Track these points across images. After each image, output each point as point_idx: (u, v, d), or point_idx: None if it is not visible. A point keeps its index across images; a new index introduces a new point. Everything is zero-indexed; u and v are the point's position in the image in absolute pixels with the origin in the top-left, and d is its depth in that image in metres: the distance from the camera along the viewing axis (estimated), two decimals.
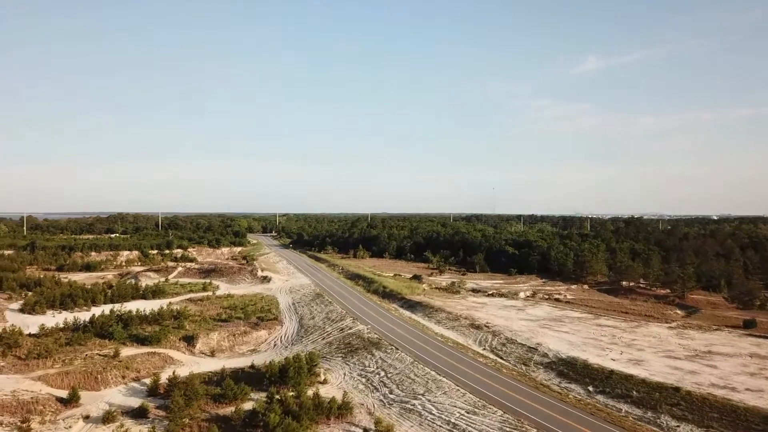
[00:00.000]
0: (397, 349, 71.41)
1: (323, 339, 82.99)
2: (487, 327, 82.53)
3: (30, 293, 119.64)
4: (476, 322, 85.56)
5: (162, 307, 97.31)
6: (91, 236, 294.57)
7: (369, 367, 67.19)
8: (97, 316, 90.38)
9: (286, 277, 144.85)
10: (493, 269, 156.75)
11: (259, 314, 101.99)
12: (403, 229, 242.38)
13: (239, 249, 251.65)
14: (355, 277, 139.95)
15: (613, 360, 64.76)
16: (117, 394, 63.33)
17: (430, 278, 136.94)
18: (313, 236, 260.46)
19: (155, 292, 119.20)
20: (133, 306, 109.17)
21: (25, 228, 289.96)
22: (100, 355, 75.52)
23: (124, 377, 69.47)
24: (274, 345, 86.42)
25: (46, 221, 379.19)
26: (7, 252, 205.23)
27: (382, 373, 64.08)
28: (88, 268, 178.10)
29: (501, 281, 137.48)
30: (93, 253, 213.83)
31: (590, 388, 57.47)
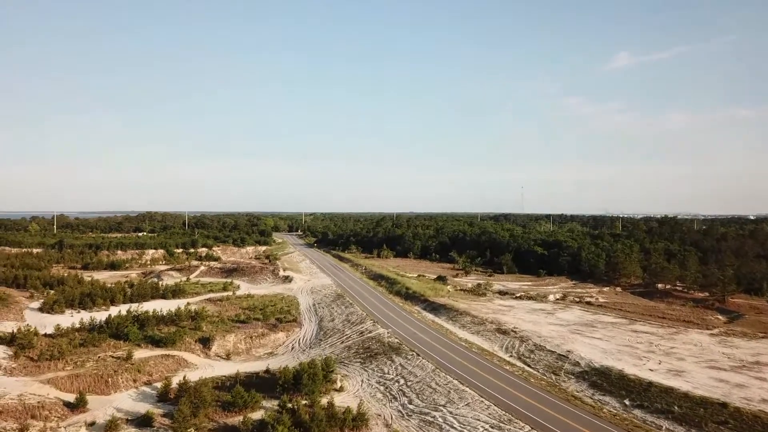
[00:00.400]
0: (418, 355, 67.66)
1: (342, 343, 79.74)
2: (515, 332, 78.14)
3: (52, 292, 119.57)
4: (503, 327, 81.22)
5: (179, 308, 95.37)
6: (119, 235, 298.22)
7: (388, 374, 63.62)
8: (113, 316, 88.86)
9: (308, 276, 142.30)
10: (521, 270, 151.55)
11: (278, 315, 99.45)
12: (429, 228, 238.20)
13: (264, 248, 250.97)
14: (377, 278, 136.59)
15: (651, 370, 59.85)
16: (127, 399, 61.14)
17: (455, 279, 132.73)
18: (338, 235, 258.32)
19: (175, 292, 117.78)
20: (152, 306, 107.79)
21: (55, 226, 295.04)
22: (113, 357, 73.65)
23: (135, 381, 67.33)
24: (292, 348, 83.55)
25: (77, 220, 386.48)
26: (35, 250, 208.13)
27: (402, 381, 60.43)
28: (113, 266, 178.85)
29: (529, 283, 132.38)
30: (119, 252, 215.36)
31: (627, 402, 52.79)
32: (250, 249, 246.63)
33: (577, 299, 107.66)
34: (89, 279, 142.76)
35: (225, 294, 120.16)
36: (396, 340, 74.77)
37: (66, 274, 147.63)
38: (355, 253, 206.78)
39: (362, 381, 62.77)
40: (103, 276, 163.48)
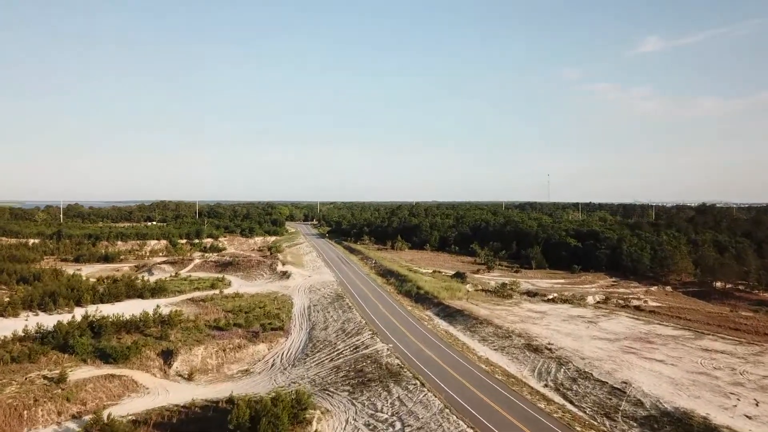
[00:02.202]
0: (423, 384, 51.18)
1: (331, 361, 63.74)
2: (550, 350, 61.11)
3: (21, 288, 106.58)
4: (534, 342, 64.22)
5: (146, 312, 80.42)
6: (126, 224, 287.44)
7: (382, 411, 47.41)
8: (66, 322, 74.39)
9: (309, 272, 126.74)
10: (551, 265, 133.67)
11: (264, 320, 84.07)
12: (448, 217, 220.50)
13: (273, 238, 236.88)
14: (387, 274, 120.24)
15: (749, 417, 42.48)
16: None
17: (476, 276, 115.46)
18: (351, 225, 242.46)
19: (155, 290, 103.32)
20: (126, 307, 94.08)
21: (61, 216, 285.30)
22: (45, 378, 58.89)
23: (60, 413, 52.40)
24: (272, 365, 67.99)
25: (90, 209, 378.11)
26: (33, 241, 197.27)
27: (398, 425, 44.17)
28: (106, 259, 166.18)
29: (562, 280, 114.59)
30: (119, 243, 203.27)
31: None
32: (258, 239, 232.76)
33: (622, 302, 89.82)
34: (72, 273, 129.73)
35: (211, 293, 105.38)
36: (397, 362, 58.36)
37: (56, 268, 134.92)
38: (367, 245, 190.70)
39: (346, 422, 46.65)
40: (94, 269, 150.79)
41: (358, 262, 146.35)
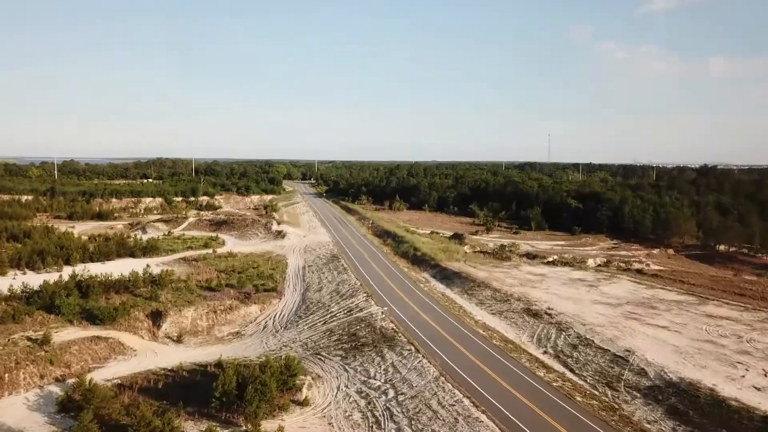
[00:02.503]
0: (418, 351, 49.36)
1: (324, 324, 61.92)
2: (549, 314, 59.24)
3: (19, 245, 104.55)
4: (534, 306, 62.33)
5: (135, 272, 78.23)
6: (123, 181, 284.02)
7: (374, 378, 45.67)
8: (52, 282, 72.28)
9: (304, 232, 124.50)
10: (552, 226, 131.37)
11: (257, 281, 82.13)
12: (447, 177, 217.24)
13: (270, 197, 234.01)
14: (384, 235, 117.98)
15: (758, 389, 40.70)
16: (20, 406, 44.53)
17: (475, 237, 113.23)
18: (349, 185, 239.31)
19: (146, 249, 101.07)
20: (117, 266, 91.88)
21: (55, 172, 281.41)
22: (30, 339, 57.07)
23: (42, 376, 50.59)
24: (264, 327, 66.26)
25: (87, 166, 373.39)
26: (25, 198, 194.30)
27: (391, 393, 42.41)
28: (100, 216, 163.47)
29: (562, 242, 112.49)
30: (113, 200, 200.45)
31: None
32: (255, 198, 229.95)
33: (624, 265, 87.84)
34: (64, 231, 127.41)
35: (204, 252, 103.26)
36: (391, 326, 56.51)
37: (47, 225, 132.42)
38: (365, 205, 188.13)
39: (338, 388, 44.94)
40: (87, 227, 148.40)
41: (355, 222, 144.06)
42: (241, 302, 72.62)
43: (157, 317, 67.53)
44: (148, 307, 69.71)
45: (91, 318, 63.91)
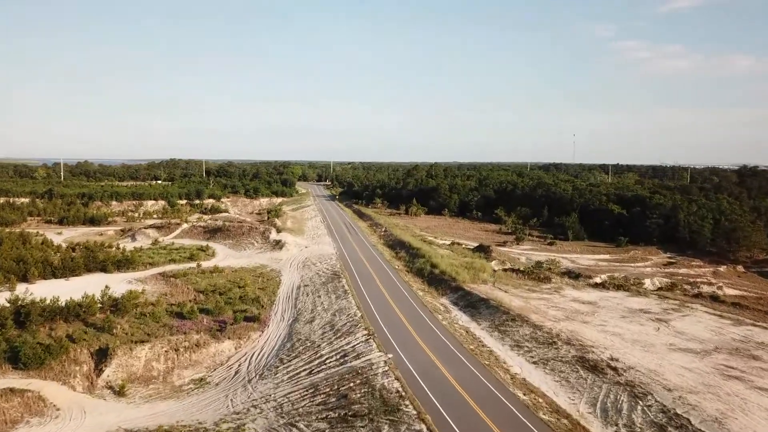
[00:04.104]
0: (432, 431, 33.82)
1: (309, 374, 46.68)
2: (614, 369, 43.10)
3: None
4: (590, 355, 46.22)
5: (88, 295, 63.96)
6: (130, 183, 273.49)
7: None
8: None
9: (307, 241, 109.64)
10: (590, 236, 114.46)
11: (238, 306, 67.59)
12: (470, 179, 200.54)
13: (280, 200, 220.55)
14: (397, 245, 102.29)
15: None
16: None
17: (503, 250, 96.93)
18: (363, 187, 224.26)
19: (121, 263, 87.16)
20: (84, 283, 78.49)
21: (61, 173, 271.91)
22: None
23: None
24: (235, 373, 51.41)
25: (100, 166, 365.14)
26: (21, 200, 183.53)
27: None
28: (92, 221, 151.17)
29: (607, 256, 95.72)
30: (114, 203, 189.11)
31: None
32: (263, 201, 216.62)
33: (690, 288, 70.99)
34: (42, 240, 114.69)
35: (188, 266, 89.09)
36: (396, 385, 40.93)
37: (24, 232, 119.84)
38: (378, 209, 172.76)
39: None
40: (75, 233, 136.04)
41: (366, 229, 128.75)
42: (212, 337, 57.86)
43: (102, 357, 53.33)
44: (96, 343, 55.58)
45: (15, 361, 49.88)
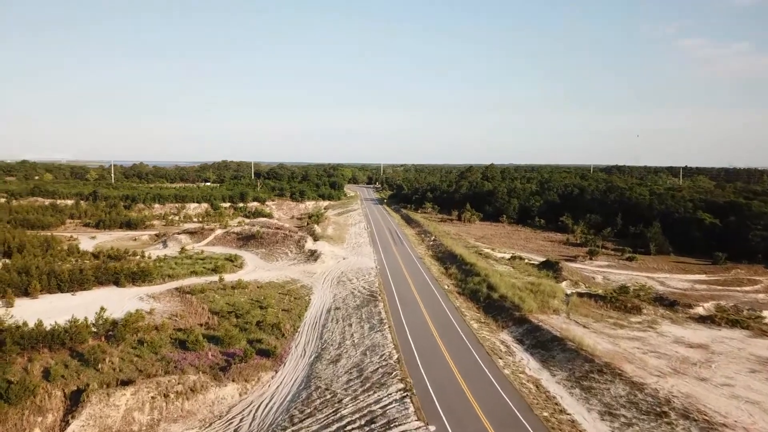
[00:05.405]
0: None
1: None
2: None
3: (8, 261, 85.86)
4: None
5: (77, 320, 54.23)
6: (179, 185, 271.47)
7: None
8: None
9: (346, 252, 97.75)
10: (676, 249, 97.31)
11: (254, 334, 56.43)
12: (530, 182, 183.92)
13: (326, 203, 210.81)
14: (447, 259, 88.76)
15: None
16: None
17: (574, 266, 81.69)
18: (413, 190, 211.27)
19: (135, 276, 77.90)
20: (93, 298, 70.18)
21: (112, 175, 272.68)
22: None
23: None
24: (235, 431, 39.75)
25: (154, 168, 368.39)
26: (66, 202, 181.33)
27: None
28: (129, 225, 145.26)
29: (703, 276, 79.07)
30: (156, 206, 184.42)
31: None
32: (309, 204, 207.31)
33: None
34: (68, 244, 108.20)
35: (210, 279, 78.98)
36: None
37: (52, 236, 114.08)
38: (428, 214, 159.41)
39: None
40: (109, 237, 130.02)
41: (413, 237, 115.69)
42: (213, 378, 46.62)
43: (77, 400, 43.07)
44: (74, 381, 45.58)
45: None
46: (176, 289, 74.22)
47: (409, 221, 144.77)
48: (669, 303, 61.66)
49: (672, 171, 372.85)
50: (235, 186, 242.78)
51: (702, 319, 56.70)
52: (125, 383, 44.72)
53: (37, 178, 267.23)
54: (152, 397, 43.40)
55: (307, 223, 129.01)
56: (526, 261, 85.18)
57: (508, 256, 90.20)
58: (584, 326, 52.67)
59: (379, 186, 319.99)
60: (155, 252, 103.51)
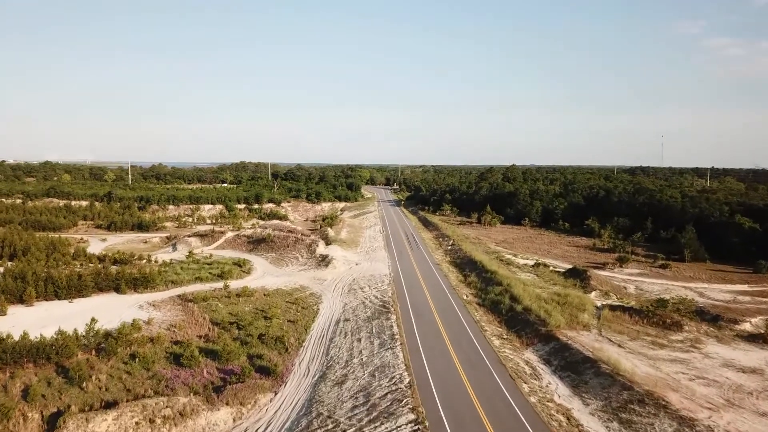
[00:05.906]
0: None
1: None
2: None
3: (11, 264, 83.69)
4: None
5: (64, 332, 50.47)
6: (196, 186, 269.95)
7: None
8: None
9: (359, 257, 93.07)
10: (712, 256, 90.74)
11: (255, 349, 52.16)
12: (553, 183, 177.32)
13: (342, 204, 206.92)
14: (466, 266, 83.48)
15: None
16: None
17: (603, 275, 75.80)
18: (431, 191, 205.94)
19: (137, 282, 74.21)
20: (91, 305, 66.90)
21: (129, 176, 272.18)
22: None
23: None
24: None
25: (173, 169, 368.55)
26: (79, 203, 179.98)
27: None
28: (140, 227, 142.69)
29: (745, 286, 72.66)
30: (170, 207, 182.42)
31: None
32: (326, 205, 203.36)
33: None
34: (76, 247, 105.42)
35: (214, 286, 74.99)
36: None
37: (60, 238, 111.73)
38: (447, 217, 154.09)
39: None
40: (119, 240, 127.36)
41: (431, 242, 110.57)
42: (205, 400, 42.28)
43: (54, 424, 39.09)
44: (55, 402, 41.74)
45: None
46: (178, 296, 70.49)
47: (426, 224, 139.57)
48: (711, 318, 55.74)
49: (697, 172, 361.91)
50: (251, 187, 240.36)
51: (751, 338, 50.75)
52: (109, 405, 40.77)
53: (55, 179, 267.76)
54: (136, 423, 39.19)
55: (321, 226, 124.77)
56: (551, 268, 79.52)
57: (531, 262, 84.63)
58: (619, 345, 47.16)
59: (397, 187, 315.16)
60: (163, 255, 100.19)
